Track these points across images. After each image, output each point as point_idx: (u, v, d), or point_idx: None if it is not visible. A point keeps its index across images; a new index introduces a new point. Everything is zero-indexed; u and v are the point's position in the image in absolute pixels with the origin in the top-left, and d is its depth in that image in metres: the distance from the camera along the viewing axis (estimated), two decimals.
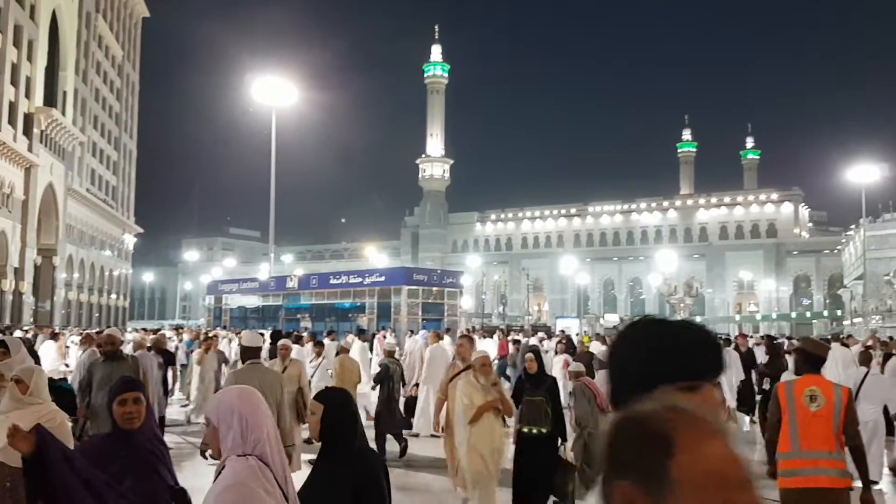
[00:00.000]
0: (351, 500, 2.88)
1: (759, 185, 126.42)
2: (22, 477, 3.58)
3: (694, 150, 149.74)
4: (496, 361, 19.73)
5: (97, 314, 74.81)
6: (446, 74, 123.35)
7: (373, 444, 10.76)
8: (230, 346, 19.65)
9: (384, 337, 21.96)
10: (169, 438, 7.39)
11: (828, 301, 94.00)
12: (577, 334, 31.69)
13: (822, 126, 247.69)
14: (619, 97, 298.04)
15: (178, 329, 27.37)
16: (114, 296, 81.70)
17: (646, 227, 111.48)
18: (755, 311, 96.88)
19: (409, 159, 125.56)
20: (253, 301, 43.70)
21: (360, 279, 38.02)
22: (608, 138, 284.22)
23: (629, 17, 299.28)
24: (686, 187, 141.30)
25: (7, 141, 51.39)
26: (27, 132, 55.91)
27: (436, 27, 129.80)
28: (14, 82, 54.10)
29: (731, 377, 12.50)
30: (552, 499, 7.23)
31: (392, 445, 10.84)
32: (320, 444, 3.09)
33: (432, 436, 11.44)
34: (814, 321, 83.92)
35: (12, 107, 53.85)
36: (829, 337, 24.12)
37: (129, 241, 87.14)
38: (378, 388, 11.12)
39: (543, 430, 7.06)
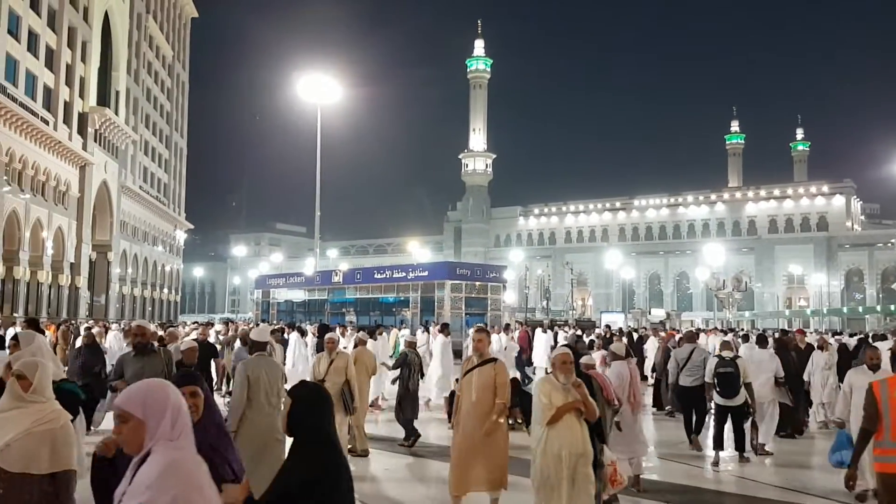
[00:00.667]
0: (299, 491, 2.96)
1: (809, 177, 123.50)
2: (21, 482, 3.70)
3: (742, 142, 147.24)
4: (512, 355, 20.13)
5: (150, 308, 76.61)
6: (489, 69, 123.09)
7: (393, 429, 11.31)
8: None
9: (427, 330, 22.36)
10: None
11: (881, 296, 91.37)
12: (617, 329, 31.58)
13: (875, 117, 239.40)
14: (665, 90, 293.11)
15: (227, 323, 28.04)
16: (166, 290, 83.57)
17: (693, 220, 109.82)
18: (805, 305, 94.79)
19: (452, 154, 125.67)
20: (299, 295, 44.41)
21: (404, 274, 38.44)
22: (653, 132, 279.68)
23: (674, 9, 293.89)
24: (734, 180, 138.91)
25: (63, 140, 52.96)
26: (81, 131, 57.58)
27: (479, 22, 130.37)
28: (69, 83, 55.74)
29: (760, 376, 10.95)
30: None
31: (399, 431, 11.38)
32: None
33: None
34: (866, 316, 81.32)
35: (67, 106, 55.48)
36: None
37: (180, 236, 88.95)
38: (399, 371, 11.90)
39: None
